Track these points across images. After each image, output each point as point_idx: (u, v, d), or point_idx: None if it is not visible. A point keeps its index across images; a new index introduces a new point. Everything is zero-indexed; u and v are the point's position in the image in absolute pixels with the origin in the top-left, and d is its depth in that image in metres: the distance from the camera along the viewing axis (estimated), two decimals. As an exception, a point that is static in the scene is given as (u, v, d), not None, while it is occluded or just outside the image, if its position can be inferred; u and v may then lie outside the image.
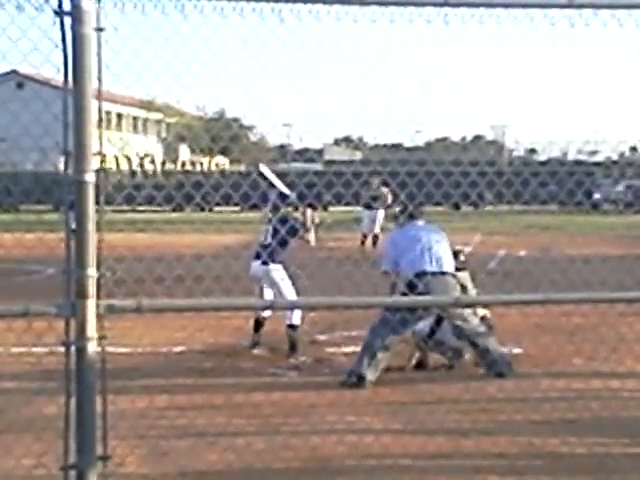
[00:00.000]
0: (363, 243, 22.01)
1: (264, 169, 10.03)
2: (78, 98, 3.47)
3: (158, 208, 33.30)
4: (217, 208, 30.20)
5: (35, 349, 7.82)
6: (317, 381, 8.22)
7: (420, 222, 8.89)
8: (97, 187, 3.62)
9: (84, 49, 3.47)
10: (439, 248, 8.51)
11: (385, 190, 22.26)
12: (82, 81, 3.47)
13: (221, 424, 6.76)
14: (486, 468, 5.80)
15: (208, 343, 9.77)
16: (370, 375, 8.04)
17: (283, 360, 9.16)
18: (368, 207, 22.30)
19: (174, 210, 34.03)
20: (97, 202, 3.65)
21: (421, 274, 8.18)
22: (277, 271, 9.52)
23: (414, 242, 8.48)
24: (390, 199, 22.10)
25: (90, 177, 3.57)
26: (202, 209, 33.51)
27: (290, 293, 9.45)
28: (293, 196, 9.78)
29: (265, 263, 9.44)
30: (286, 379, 8.43)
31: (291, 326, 9.44)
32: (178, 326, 9.69)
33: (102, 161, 3.69)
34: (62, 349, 3.87)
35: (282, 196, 9.86)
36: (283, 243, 9.32)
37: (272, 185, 9.88)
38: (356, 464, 5.87)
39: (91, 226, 3.63)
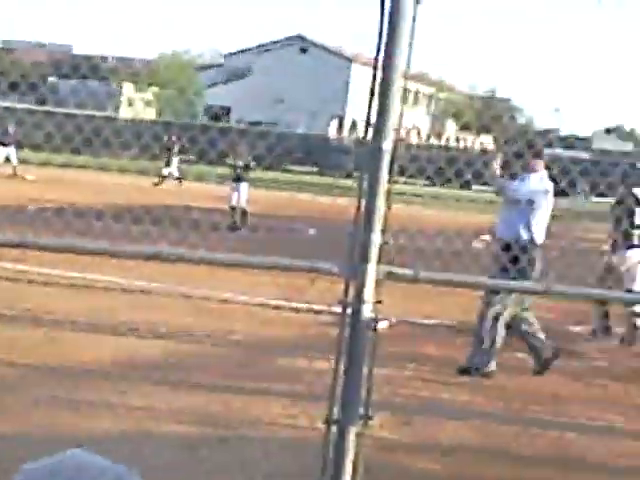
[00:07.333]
0: None
1: None
2: (388, 71, 3.55)
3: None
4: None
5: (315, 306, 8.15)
6: None
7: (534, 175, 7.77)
8: (392, 157, 3.70)
9: (400, 20, 3.54)
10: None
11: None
12: (394, 54, 3.55)
13: (465, 401, 6.80)
14: None
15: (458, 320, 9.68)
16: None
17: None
18: None
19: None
20: (390, 171, 3.74)
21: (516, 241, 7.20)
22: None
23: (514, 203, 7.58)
24: None
25: (387, 145, 3.66)
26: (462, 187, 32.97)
27: None
28: None
29: None
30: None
31: None
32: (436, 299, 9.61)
33: (398, 133, 3.77)
34: (337, 309, 4.00)
35: None
36: None
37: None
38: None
39: (382, 193, 3.72)
